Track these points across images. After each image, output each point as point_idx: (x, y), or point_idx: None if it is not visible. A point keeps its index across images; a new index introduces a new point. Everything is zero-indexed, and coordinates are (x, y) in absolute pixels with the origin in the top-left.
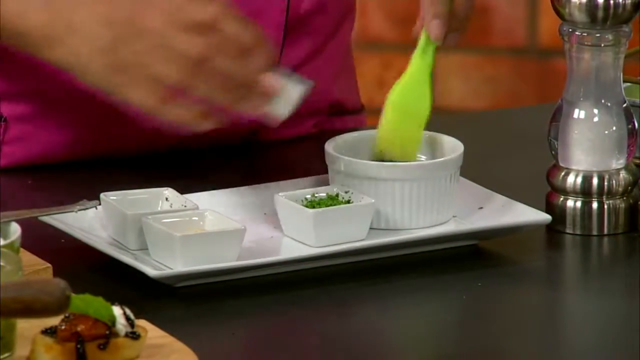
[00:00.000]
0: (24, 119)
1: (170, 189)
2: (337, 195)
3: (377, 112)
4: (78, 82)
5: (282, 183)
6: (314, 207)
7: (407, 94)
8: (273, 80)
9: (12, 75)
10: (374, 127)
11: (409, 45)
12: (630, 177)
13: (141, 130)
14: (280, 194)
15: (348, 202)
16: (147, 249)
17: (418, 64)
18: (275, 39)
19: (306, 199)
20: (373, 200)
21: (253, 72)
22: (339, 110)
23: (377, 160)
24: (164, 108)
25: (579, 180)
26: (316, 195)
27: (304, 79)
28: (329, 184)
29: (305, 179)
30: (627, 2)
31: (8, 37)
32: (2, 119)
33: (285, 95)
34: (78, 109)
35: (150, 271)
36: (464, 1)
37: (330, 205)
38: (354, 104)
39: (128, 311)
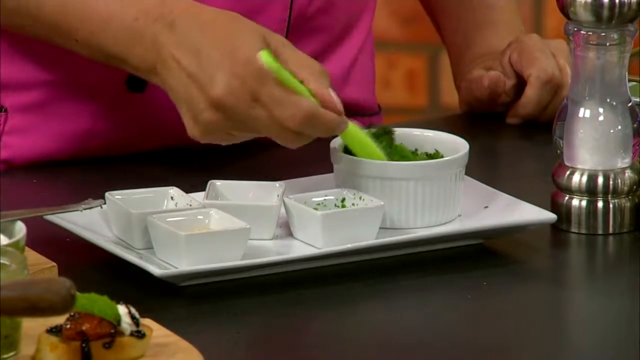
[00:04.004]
0: (35, 108)
1: (175, 188)
2: (344, 199)
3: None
4: (90, 73)
5: (287, 182)
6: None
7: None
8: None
9: (23, 64)
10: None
11: (414, 45)
12: (636, 176)
13: (144, 128)
14: (289, 196)
15: (356, 204)
16: (152, 248)
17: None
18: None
19: (314, 201)
20: (382, 203)
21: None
22: (353, 112)
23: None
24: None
25: (584, 179)
26: (325, 197)
27: None
28: (334, 183)
29: (310, 177)
30: (632, 1)
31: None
32: (3, 110)
33: None
34: (89, 100)
35: (156, 270)
36: None
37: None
38: (371, 105)
39: (133, 310)
